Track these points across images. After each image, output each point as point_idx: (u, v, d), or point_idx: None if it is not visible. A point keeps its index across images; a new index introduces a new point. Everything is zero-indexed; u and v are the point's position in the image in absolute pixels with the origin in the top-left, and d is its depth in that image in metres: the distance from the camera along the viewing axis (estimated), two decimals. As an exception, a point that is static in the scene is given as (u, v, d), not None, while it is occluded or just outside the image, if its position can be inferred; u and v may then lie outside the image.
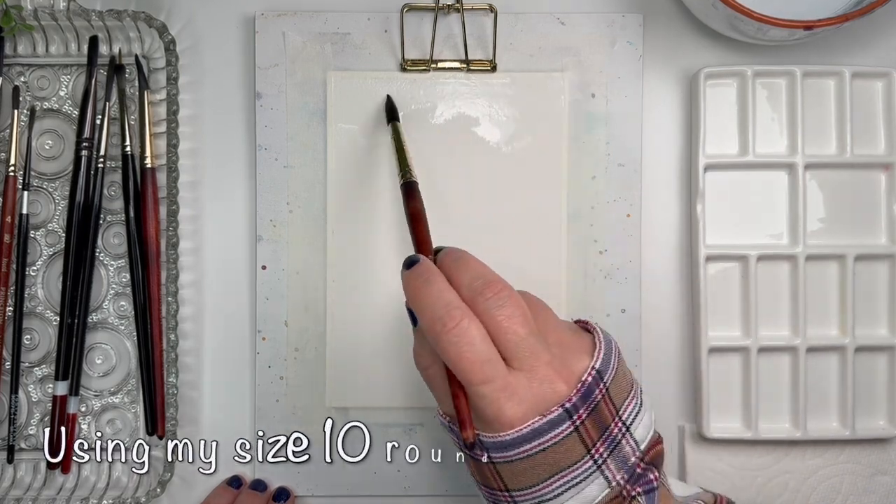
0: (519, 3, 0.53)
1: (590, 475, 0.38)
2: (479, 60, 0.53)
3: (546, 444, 0.37)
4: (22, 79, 0.53)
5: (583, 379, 0.38)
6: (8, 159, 0.52)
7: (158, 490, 0.51)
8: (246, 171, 0.54)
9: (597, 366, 0.38)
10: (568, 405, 0.37)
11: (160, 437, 0.52)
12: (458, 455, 0.53)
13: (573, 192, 0.53)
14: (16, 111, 0.52)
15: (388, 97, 0.52)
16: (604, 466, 0.38)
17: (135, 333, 0.53)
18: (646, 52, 0.54)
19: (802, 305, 0.52)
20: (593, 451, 0.38)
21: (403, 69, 0.53)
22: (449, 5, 0.52)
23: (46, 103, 0.53)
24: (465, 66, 0.53)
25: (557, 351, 0.38)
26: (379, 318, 0.53)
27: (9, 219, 0.52)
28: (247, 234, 0.54)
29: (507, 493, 0.39)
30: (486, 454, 0.38)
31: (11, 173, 0.52)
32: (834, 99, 0.53)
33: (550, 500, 0.38)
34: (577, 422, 0.37)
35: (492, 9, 0.52)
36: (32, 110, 0.53)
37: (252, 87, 0.53)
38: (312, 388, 0.53)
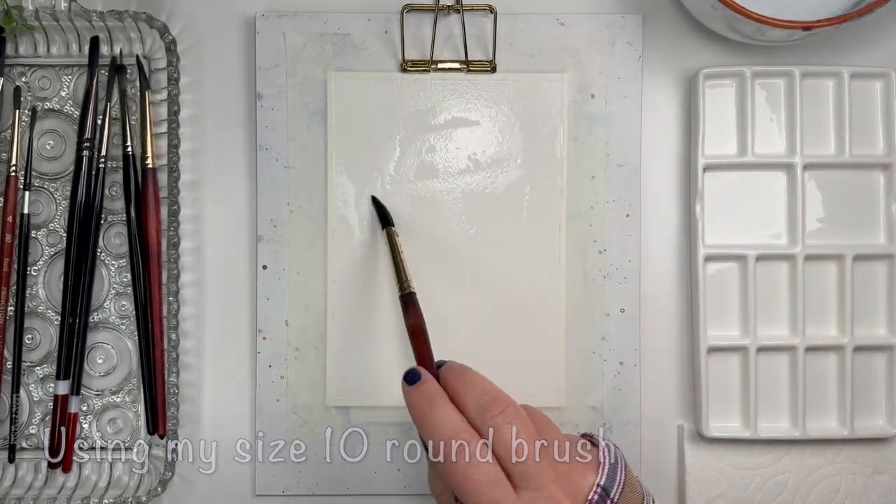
0: (519, 4, 0.53)
1: None
2: (479, 61, 0.53)
3: None
4: (23, 79, 0.54)
5: (589, 497, 0.38)
6: (9, 159, 0.52)
7: (159, 489, 0.52)
8: (247, 172, 0.54)
9: (601, 482, 0.38)
10: None
11: (161, 437, 0.52)
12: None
13: (573, 192, 0.53)
14: (17, 111, 0.52)
15: (374, 199, 0.52)
16: None
17: (136, 333, 0.53)
18: (645, 52, 0.54)
19: (801, 305, 0.52)
20: None
21: (403, 70, 0.53)
22: (449, 6, 0.52)
23: (48, 103, 0.54)
24: (465, 66, 0.53)
25: (563, 468, 0.38)
26: (379, 317, 0.53)
27: (10, 219, 0.52)
28: (247, 234, 0.54)
29: None
30: None
31: (13, 173, 0.52)
32: (833, 99, 0.53)
33: None
34: None
35: (492, 9, 0.52)
36: (34, 110, 0.53)
37: (253, 88, 0.54)
38: (313, 387, 0.53)
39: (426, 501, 0.54)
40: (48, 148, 0.54)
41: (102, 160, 0.52)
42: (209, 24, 0.54)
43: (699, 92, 0.52)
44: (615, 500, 0.38)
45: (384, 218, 0.51)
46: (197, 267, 0.54)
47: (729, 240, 0.53)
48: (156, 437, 0.52)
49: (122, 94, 0.53)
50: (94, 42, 0.52)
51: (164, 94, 0.53)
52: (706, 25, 0.52)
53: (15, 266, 0.53)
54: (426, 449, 0.39)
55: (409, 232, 0.53)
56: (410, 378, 0.40)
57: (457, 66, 0.53)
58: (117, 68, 0.52)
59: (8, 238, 0.52)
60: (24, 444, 0.53)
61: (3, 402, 0.53)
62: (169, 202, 0.52)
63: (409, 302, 0.45)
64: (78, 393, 0.52)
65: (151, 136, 0.52)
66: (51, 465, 0.52)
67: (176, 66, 0.52)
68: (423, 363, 0.42)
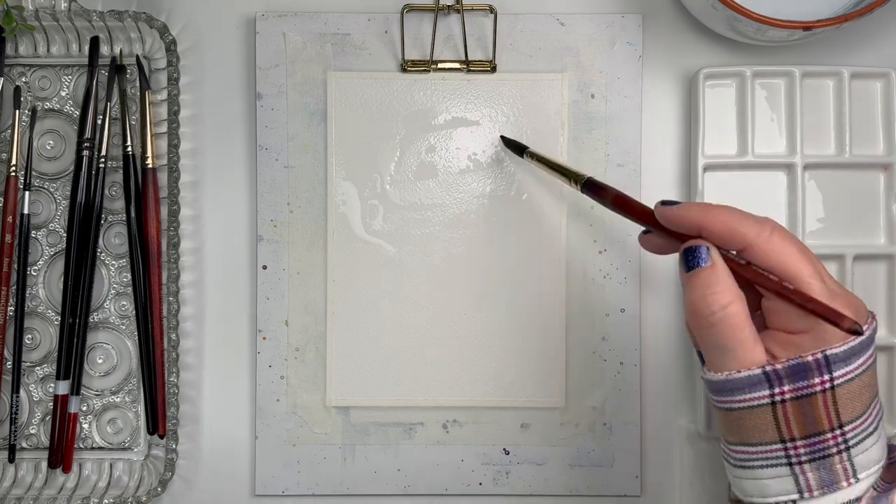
0: (519, 4, 0.53)
1: (775, 466, 0.36)
2: (479, 61, 0.53)
3: (739, 403, 0.36)
4: (23, 79, 0.54)
5: (803, 357, 0.35)
6: (9, 159, 0.52)
7: (159, 489, 0.52)
8: (247, 172, 0.54)
9: (829, 352, 0.35)
10: (769, 368, 0.35)
11: (161, 437, 0.52)
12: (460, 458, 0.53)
13: (573, 192, 0.53)
14: (17, 111, 0.52)
15: (502, 137, 0.52)
16: (798, 469, 0.36)
17: (136, 333, 0.53)
18: (645, 52, 0.54)
19: (801, 305, 0.52)
20: (788, 445, 0.35)
21: (403, 70, 0.53)
22: (449, 6, 0.52)
23: (48, 103, 0.54)
24: (465, 66, 0.53)
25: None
26: (379, 317, 0.53)
27: (10, 219, 0.52)
28: (247, 234, 0.54)
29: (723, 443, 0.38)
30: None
31: (13, 173, 0.52)
32: (833, 99, 0.53)
33: (743, 468, 0.37)
34: (777, 398, 0.35)
35: (492, 9, 0.52)
36: (34, 110, 0.53)
37: (253, 88, 0.54)
38: (313, 387, 0.53)
39: (426, 501, 0.54)
40: (48, 148, 0.54)
41: (102, 160, 0.52)
42: (209, 24, 0.54)
43: (699, 92, 0.52)
44: (836, 381, 0.35)
45: (518, 146, 0.51)
46: (197, 267, 0.54)
47: (729, 240, 0.53)
48: (156, 436, 0.52)
49: (122, 94, 0.53)
50: (94, 42, 0.52)
51: (164, 94, 0.53)
52: (706, 25, 0.52)
53: (15, 266, 0.53)
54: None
55: (409, 231, 0.53)
56: (691, 262, 0.37)
57: (457, 66, 0.53)
58: (117, 68, 0.52)
59: (8, 238, 0.52)
60: (23, 444, 0.53)
61: (3, 402, 0.53)
62: (169, 202, 0.52)
63: (594, 185, 0.44)
64: (78, 393, 0.52)
65: (151, 136, 0.52)
66: (51, 465, 0.52)
67: (176, 66, 0.52)
68: (645, 218, 0.40)
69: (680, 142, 0.54)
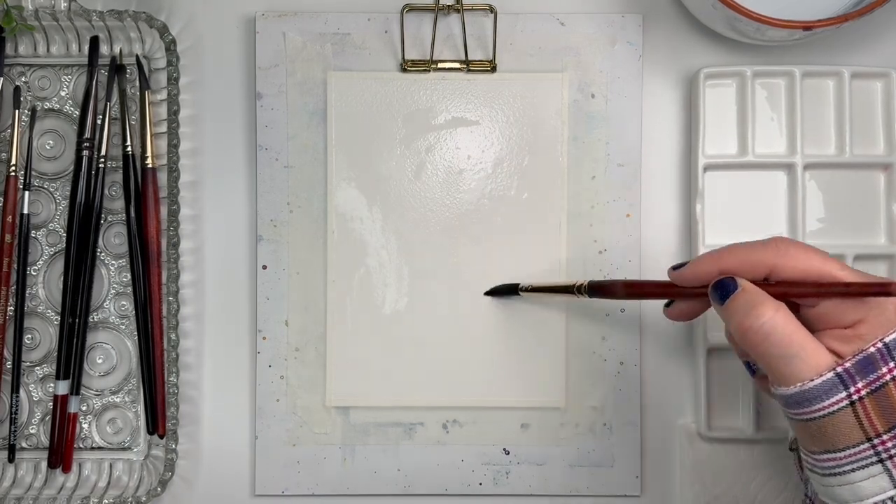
0: (519, 3, 0.53)
1: (867, 467, 0.35)
2: (479, 61, 0.53)
3: (819, 412, 0.35)
4: (23, 79, 0.54)
5: (864, 347, 0.35)
6: (9, 159, 0.52)
7: (159, 489, 0.51)
8: (246, 171, 0.54)
9: (888, 339, 0.35)
10: (840, 369, 0.35)
11: (161, 437, 0.52)
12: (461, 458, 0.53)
13: (573, 192, 0.53)
14: (17, 111, 0.52)
15: (488, 293, 0.52)
16: (890, 464, 0.35)
17: (136, 333, 0.53)
18: (646, 52, 0.54)
19: (802, 305, 0.52)
20: (875, 442, 0.35)
21: (403, 69, 0.53)
22: (449, 5, 0.52)
23: (47, 103, 0.54)
24: (465, 66, 0.53)
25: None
26: (379, 317, 0.53)
27: (10, 218, 0.52)
28: (247, 233, 0.54)
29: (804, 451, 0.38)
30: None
31: (12, 173, 0.52)
32: (833, 99, 0.53)
33: (833, 475, 0.36)
34: (855, 396, 0.35)
35: (492, 9, 0.52)
36: (33, 110, 0.53)
37: (252, 88, 0.54)
38: (313, 387, 0.53)
39: (426, 501, 0.54)
40: (48, 148, 0.54)
41: (102, 160, 0.52)
42: (209, 23, 0.54)
43: (699, 91, 0.52)
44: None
45: (510, 289, 0.52)
46: (197, 267, 0.54)
47: (729, 240, 0.52)
48: (156, 436, 0.52)
49: (122, 93, 0.53)
50: (94, 42, 0.52)
51: (163, 94, 0.53)
52: (706, 25, 0.52)
53: (15, 266, 0.53)
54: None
55: (408, 231, 0.53)
56: (722, 294, 0.37)
57: (457, 65, 0.53)
58: (117, 68, 0.52)
59: (8, 238, 0.52)
60: (23, 444, 0.53)
61: (2, 402, 0.53)
62: (169, 202, 0.52)
63: (595, 286, 0.45)
64: (78, 393, 0.52)
65: (151, 135, 0.52)
66: (51, 465, 0.52)
67: (176, 66, 0.52)
68: (663, 290, 0.41)
69: (680, 142, 0.54)
